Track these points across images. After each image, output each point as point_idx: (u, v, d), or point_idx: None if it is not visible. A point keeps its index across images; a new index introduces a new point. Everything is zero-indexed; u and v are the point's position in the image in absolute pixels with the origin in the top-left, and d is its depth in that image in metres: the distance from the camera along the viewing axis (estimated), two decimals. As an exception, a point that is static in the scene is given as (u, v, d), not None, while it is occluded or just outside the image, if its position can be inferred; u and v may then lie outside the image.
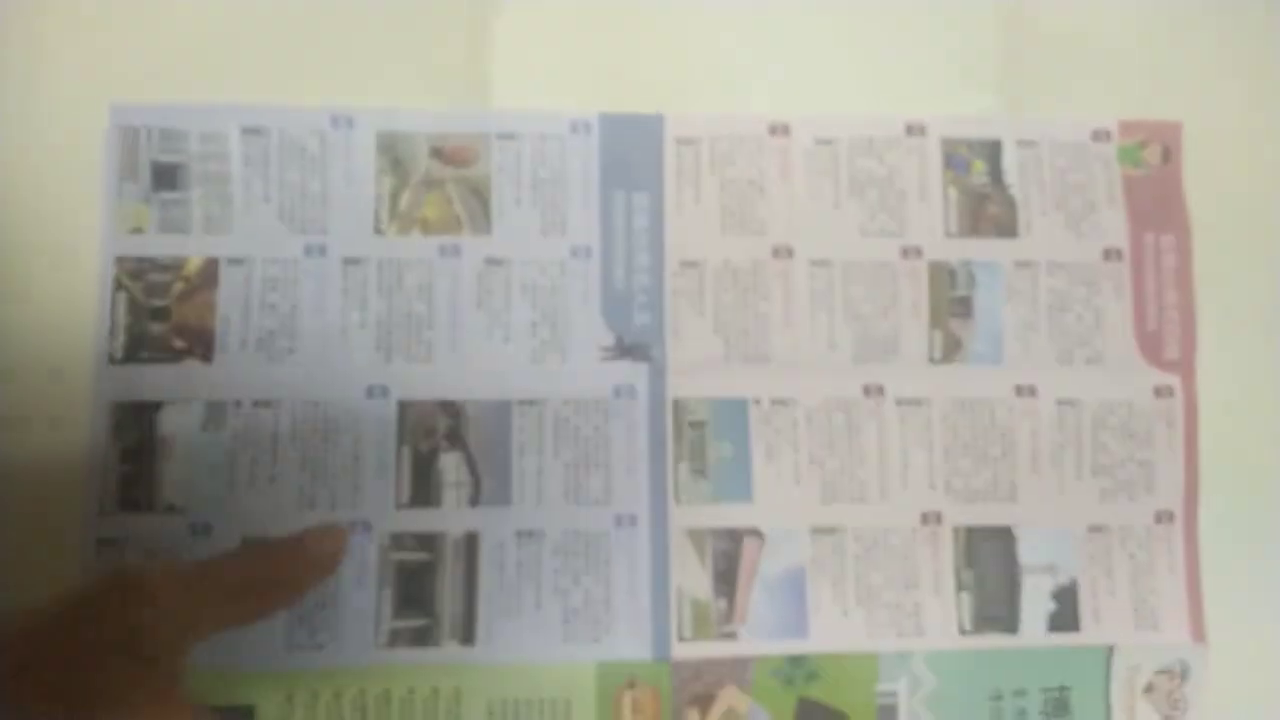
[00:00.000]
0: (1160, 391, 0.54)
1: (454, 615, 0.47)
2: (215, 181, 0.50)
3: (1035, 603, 0.51)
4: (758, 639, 0.49)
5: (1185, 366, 0.54)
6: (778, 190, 0.53)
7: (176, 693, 0.35)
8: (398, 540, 0.48)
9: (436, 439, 0.49)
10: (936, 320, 0.53)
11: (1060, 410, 0.53)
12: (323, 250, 0.49)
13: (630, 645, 0.49)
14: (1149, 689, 0.50)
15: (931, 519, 0.51)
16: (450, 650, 0.47)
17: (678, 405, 0.51)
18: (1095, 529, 0.52)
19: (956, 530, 0.51)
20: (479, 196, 0.51)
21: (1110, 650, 0.51)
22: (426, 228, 0.50)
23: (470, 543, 0.48)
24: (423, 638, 0.47)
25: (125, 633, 0.35)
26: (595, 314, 0.51)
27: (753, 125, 0.53)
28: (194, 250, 0.49)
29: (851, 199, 0.53)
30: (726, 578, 0.49)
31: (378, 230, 0.50)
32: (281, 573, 0.43)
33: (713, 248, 0.52)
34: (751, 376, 0.51)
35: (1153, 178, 0.54)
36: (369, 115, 0.51)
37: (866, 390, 0.52)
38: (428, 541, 0.48)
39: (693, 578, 0.49)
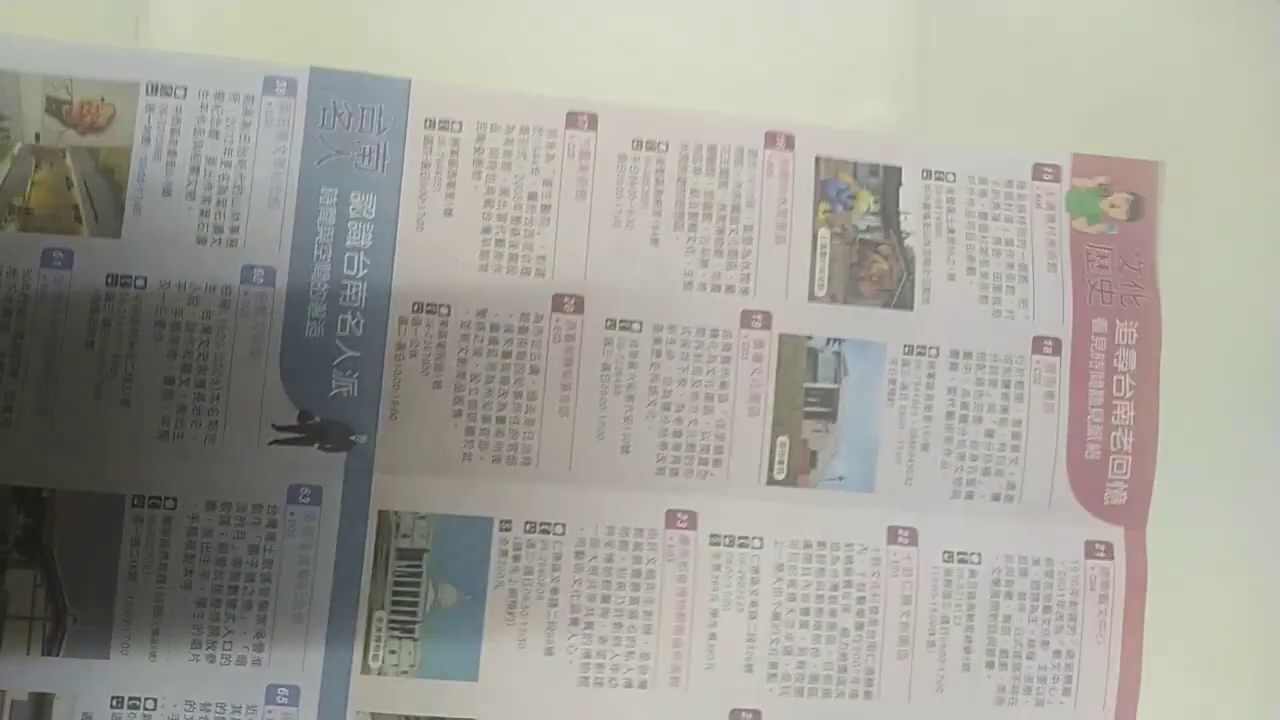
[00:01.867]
0: (1095, 550, 0.46)
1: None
2: None
3: None
4: None
5: (1133, 516, 0.46)
6: (571, 211, 0.45)
7: None
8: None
9: (7, 546, 0.41)
10: (784, 422, 0.45)
11: (948, 568, 0.45)
12: None
13: None
14: None
15: None
16: None
17: (385, 522, 0.43)
18: None
19: (783, 737, 0.41)
20: (111, 179, 0.43)
21: None
22: (28, 221, 0.42)
23: (39, 711, 0.41)
24: None
25: None
26: (271, 373, 0.43)
27: (543, 110, 0.45)
28: None
29: (677, 233, 0.45)
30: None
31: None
32: None
33: (466, 287, 0.44)
34: (502, 486, 0.44)
35: (1116, 239, 0.48)
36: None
37: (671, 519, 0.44)
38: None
39: (373, 795, 0.39)
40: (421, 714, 0.42)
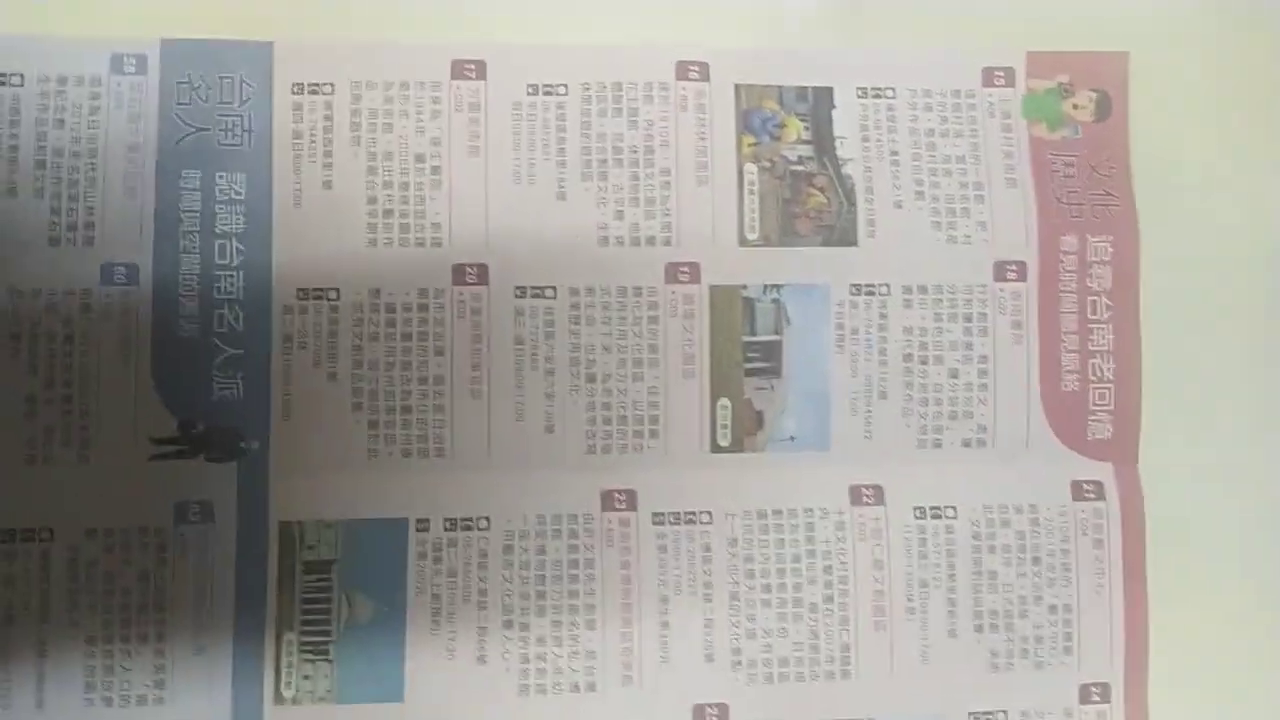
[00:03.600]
0: (1083, 491, 0.45)
1: None
2: None
3: None
4: None
5: (1122, 450, 0.45)
6: (464, 170, 0.44)
7: None
8: None
9: None
10: (723, 382, 0.44)
11: (922, 525, 0.44)
12: None
13: None
14: None
15: (710, 717, 0.42)
16: None
17: (287, 534, 0.42)
18: (982, 718, 0.43)
19: (753, 731, 0.39)
20: (-53, 183, 0.39)
21: None
22: None
23: None
24: None
25: None
26: (144, 381, 0.42)
27: (423, 61, 0.44)
28: None
29: (586, 184, 0.44)
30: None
31: None
32: None
33: (354, 266, 0.43)
34: (415, 482, 0.43)
35: (1082, 143, 0.46)
36: None
37: (608, 500, 0.43)
38: None
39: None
40: (342, 743, 0.39)
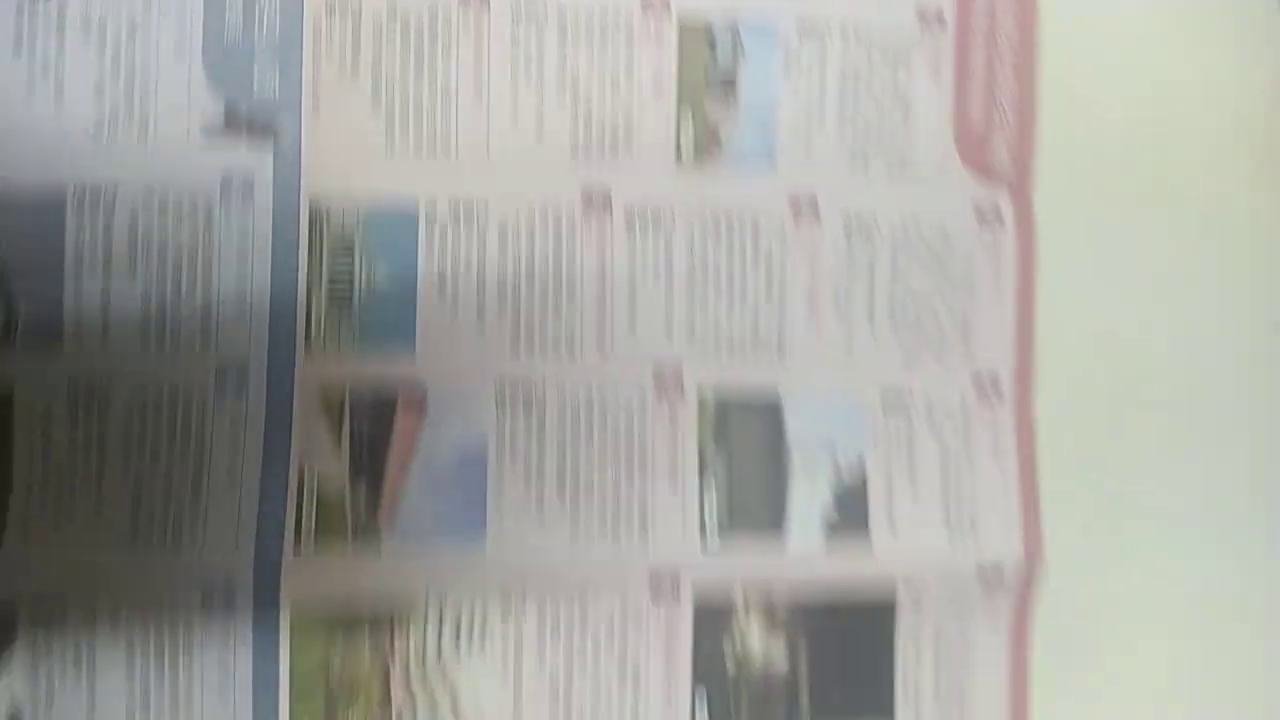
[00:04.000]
0: (984, 214, 0.52)
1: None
2: None
3: (808, 495, 0.50)
4: (412, 542, 0.46)
5: (1018, 180, 0.53)
6: (470, -96, 0.46)
7: None
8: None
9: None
10: (688, 103, 0.51)
11: (849, 233, 0.51)
12: None
13: (222, 551, 0.45)
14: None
15: (669, 379, 0.49)
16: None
17: (316, 207, 0.47)
18: (892, 400, 0.51)
19: (702, 393, 0.49)
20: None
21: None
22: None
23: (2, 402, 0.43)
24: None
25: None
26: (196, 70, 0.47)
27: None
28: None
29: (572, -77, 0.47)
30: (372, 456, 0.47)
31: None
32: None
33: (375, -18, 0.46)
34: (424, 171, 0.49)
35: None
36: None
37: (587, 198, 0.49)
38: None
39: (324, 455, 0.46)
40: (364, 378, 0.48)
